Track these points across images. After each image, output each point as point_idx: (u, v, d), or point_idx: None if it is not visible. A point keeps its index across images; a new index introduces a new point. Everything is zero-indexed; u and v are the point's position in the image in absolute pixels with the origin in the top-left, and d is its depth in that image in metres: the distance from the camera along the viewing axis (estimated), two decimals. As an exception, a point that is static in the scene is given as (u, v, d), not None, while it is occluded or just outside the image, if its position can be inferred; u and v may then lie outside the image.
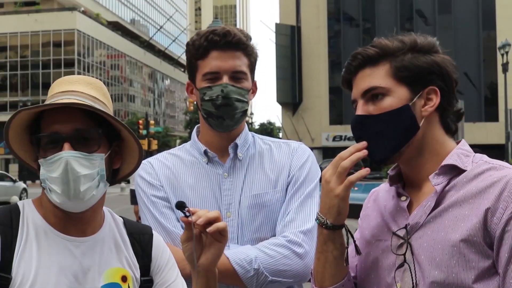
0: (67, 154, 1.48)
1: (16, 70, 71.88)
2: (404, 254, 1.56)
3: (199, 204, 2.10)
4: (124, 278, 1.61)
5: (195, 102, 2.20)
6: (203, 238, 1.63)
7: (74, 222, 1.58)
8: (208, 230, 1.58)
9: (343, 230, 1.63)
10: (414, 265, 1.54)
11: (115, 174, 1.69)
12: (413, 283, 1.53)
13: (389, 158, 1.59)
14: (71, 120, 1.52)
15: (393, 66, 1.58)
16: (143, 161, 2.22)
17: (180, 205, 1.58)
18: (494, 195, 1.44)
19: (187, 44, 2.15)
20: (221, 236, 1.62)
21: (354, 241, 1.73)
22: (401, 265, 1.57)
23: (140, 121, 46.25)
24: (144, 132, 44.27)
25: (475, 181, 1.51)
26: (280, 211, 2.12)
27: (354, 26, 57.97)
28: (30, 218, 1.57)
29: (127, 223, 1.74)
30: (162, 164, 2.21)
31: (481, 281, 1.44)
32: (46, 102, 1.55)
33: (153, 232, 1.78)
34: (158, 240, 1.77)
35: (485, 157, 1.59)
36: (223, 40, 2.04)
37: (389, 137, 1.57)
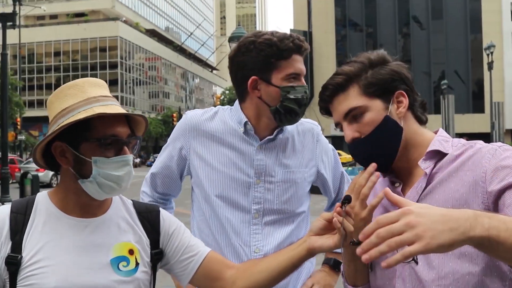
0: (131, 157, 1.55)
1: (68, 71, 72.32)
2: None
3: (231, 165, 2.07)
4: (131, 251, 1.61)
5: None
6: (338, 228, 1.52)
7: (90, 207, 1.59)
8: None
9: None
10: None
11: None
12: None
13: (391, 164, 1.59)
14: (124, 126, 1.56)
15: (361, 85, 1.56)
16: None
17: (347, 199, 1.50)
18: (474, 164, 1.45)
19: (262, 43, 2.00)
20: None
21: None
22: None
23: (174, 115, 46.68)
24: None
25: (457, 160, 1.51)
26: (306, 188, 2.16)
27: (358, 31, 57.43)
28: (44, 207, 1.57)
29: (136, 204, 1.74)
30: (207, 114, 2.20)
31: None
32: (95, 107, 1.52)
33: (160, 208, 1.77)
34: (165, 214, 1.76)
35: (462, 140, 1.59)
36: (303, 47, 2.05)
37: (384, 149, 1.56)
